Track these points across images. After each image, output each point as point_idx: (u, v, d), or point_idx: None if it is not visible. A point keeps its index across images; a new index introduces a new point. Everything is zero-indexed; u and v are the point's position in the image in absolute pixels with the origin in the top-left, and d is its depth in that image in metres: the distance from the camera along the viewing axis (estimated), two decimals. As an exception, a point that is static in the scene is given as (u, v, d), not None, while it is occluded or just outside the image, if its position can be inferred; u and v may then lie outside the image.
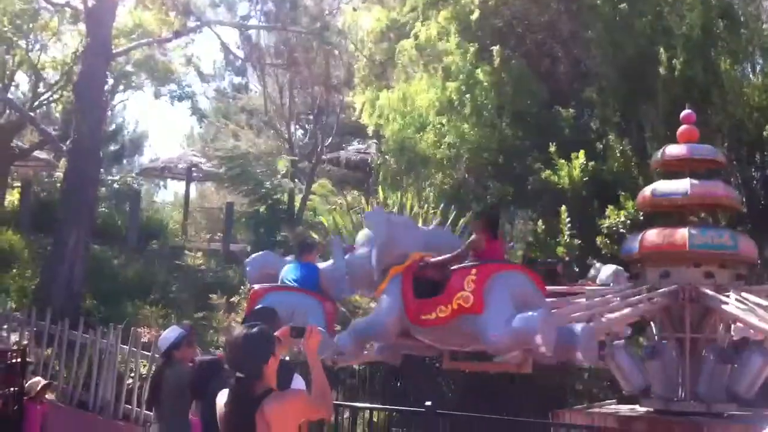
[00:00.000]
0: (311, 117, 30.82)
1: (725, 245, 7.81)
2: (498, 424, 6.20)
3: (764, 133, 18.79)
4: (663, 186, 8.37)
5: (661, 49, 15.72)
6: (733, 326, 8.25)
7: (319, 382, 4.08)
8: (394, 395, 12.38)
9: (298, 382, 4.51)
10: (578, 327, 5.31)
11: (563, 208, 14.75)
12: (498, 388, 13.13)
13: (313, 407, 4.09)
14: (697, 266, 7.71)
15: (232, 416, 4.03)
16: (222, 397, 4.21)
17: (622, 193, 14.42)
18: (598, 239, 14.22)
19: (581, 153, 15.54)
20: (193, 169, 29.37)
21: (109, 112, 32.45)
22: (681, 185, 8.11)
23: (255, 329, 4.08)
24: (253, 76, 35.12)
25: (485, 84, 17.45)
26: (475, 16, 18.20)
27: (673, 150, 8.41)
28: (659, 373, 7.56)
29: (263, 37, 29.51)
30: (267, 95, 29.59)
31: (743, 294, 7.24)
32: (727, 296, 7.25)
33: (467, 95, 17.63)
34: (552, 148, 15.64)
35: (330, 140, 28.48)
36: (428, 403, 5.86)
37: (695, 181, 8.05)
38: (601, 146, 16.32)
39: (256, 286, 6.96)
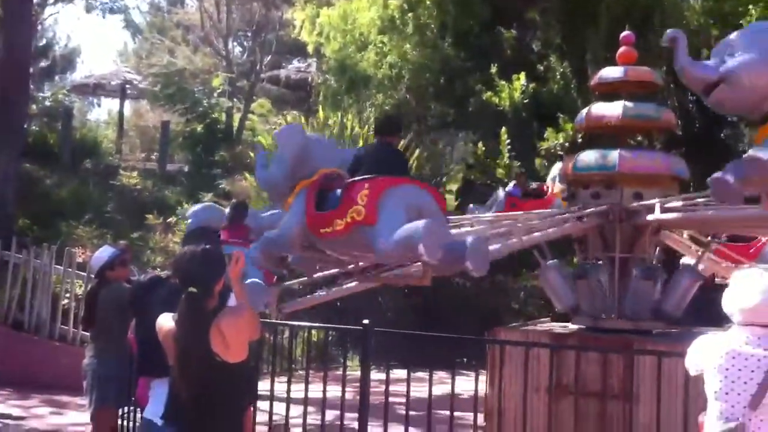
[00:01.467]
0: (249, 34, 30.05)
1: (654, 166, 7.93)
2: (434, 342, 6.28)
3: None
4: (598, 108, 8.39)
5: (604, -29, 15.63)
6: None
7: (248, 305, 4.13)
8: (335, 315, 12.48)
9: (233, 301, 4.48)
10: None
11: (503, 129, 14.79)
12: (437, 308, 13.37)
13: (256, 326, 4.17)
14: (628, 187, 7.82)
15: (185, 332, 4.02)
16: (164, 319, 4.20)
17: (562, 116, 14.49)
18: (537, 161, 14.34)
19: (522, 75, 15.51)
20: (127, 86, 28.52)
21: (39, 27, 31.05)
22: (615, 107, 8.15)
23: (209, 247, 4.16)
24: (189, -10, 33.97)
25: (428, 3, 17.18)
26: (419, -68, 17.78)
27: (610, 72, 8.40)
28: (586, 292, 7.72)
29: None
30: (204, 10, 28.68)
31: (668, 205, 7.37)
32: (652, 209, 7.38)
33: (409, 14, 17.36)
34: (493, 70, 15.56)
35: (269, 58, 27.88)
36: (365, 321, 5.88)
37: (629, 104, 8.08)
38: (543, 68, 16.31)
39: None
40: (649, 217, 7.33)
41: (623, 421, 5.89)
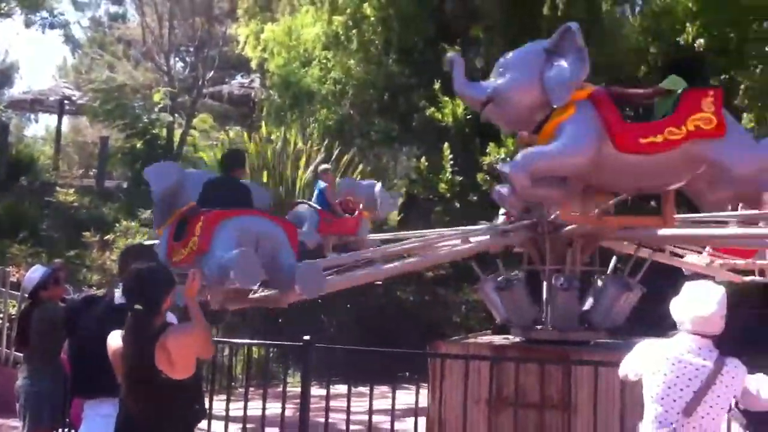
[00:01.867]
0: (192, 49, 29.75)
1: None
2: (376, 356, 6.24)
3: (639, 74, 19.49)
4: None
5: (545, -11, 15.91)
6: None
7: (203, 322, 4.09)
8: (276, 331, 12.33)
9: (172, 319, 4.39)
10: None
11: (446, 145, 14.87)
12: (380, 322, 13.34)
13: (207, 344, 4.14)
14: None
15: (131, 349, 4.00)
16: (113, 337, 4.15)
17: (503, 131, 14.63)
18: (479, 176, 14.44)
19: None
20: (65, 101, 27.95)
21: (-25, 40, 30.29)
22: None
23: (156, 264, 4.18)
24: (130, 4, 33.53)
25: (372, 19, 17.24)
26: (362, -51, 17.86)
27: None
28: (511, 304, 7.78)
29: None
30: (145, 25, 28.31)
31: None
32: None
33: (354, 30, 17.39)
34: (437, 86, 15.66)
35: (212, 73, 27.62)
36: (306, 337, 5.81)
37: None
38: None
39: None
40: (568, 228, 7.43)
41: (562, 431, 5.90)
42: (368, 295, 13.00)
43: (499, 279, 7.98)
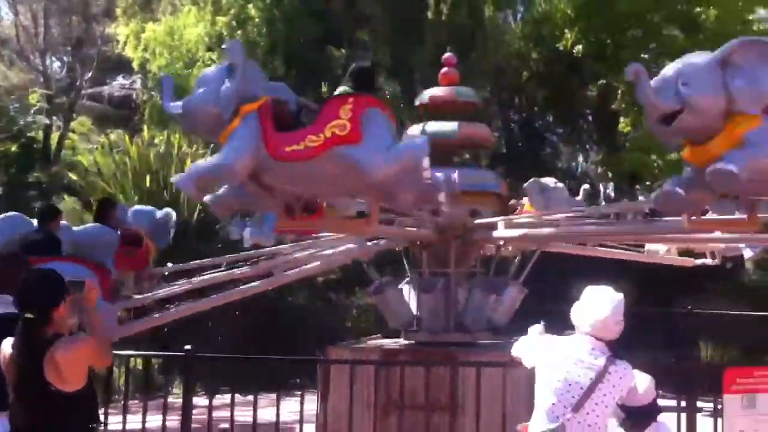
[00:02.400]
0: (69, 49, 28.60)
1: (489, 184, 8.24)
2: (265, 364, 6.11)
3: (522, 79, 20.06)
4: (432, 127, 8.58)
5: (430, -6, 16.12)
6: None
7: (100, 332, 4.06)
8: (161, 342, 11.96)
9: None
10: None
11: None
12: (271, 329, 13.16)
13: (101, 354, 4.07)
14: (463, 204, 8.03)
15: (19, 359, 3.89)
16: (6, 344, 4.03)
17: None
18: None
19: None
20: (-69, 103, 26.36)
21: None
22: (449, 126, 8.37)
23: (49, 271, 4.06)
24: (3, 2, 31.93)
25: (257, 20, 17.01)
26: (245, -51, 17.61)
27: (437, 92, 8.64)
28: (429, 307, 7.83)
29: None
30: (19, 23, 27.03)
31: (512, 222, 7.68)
32: (495, 227, 7.63)
33: (238, 31, 17.11)
34: (324, 89, 15.61)
35: (90, 74, 26.61)
36: (188, 347, 5.61)
37: (463, 123, 8.33)
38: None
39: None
40: (495, 234, 7.55)
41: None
42: (258, 301, 12.79)
43: (380, 282, 8.03)
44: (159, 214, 7.92)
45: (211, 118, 5.21)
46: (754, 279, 19.76)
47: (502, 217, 7.74)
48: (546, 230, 7.60)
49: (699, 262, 9.93)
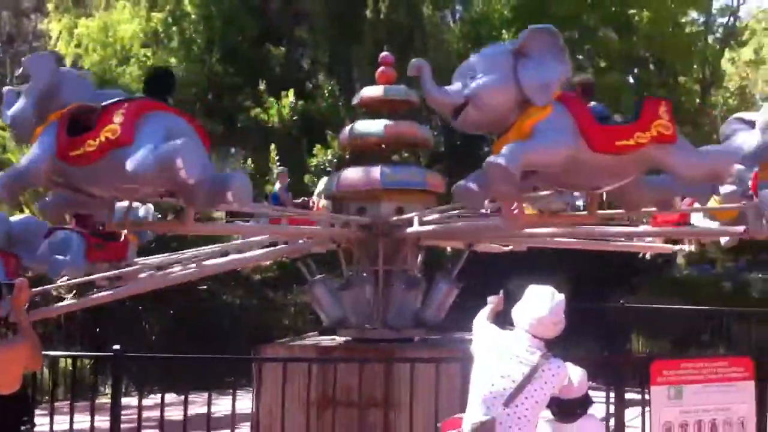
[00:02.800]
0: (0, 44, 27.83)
1: (414, 181, 8.26)
2: (197, 363, 6.02)
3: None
4: (360, 126, 8.60)
5: (368, -7, 16.11)
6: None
7: (32, 334, 4.02)
8: (94, 341, 11.73)
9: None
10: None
11: (272, 146, 14.72)
12: (207, 328, 13.01)
13: (34, 356, 4.06)
14: (389, 201, 8.05)
15: None
16: None
17: (330, 133, 14.67)
18: (306, 177, 14.39)
19: (290, 92, 15.56)
20: None
21: None
22: (376, 125, 8.39)
23: None
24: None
25: (193, 17, 16.79)
26: (183, -56, 17.36)
27: (370, 91, 8.66)
28: (353, 304, 7.84)
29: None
30: (-54, 18, 26.18)
31: (426, 218, 7.68)
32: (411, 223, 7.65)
33: (174, 28, 16.87)
34: (262, 86, 15.49)
35: (21, 71, 25.91)
36: (116, 346, 5.49)
37: (389, 122, 8.35)
38: (311, 85, 16.46)
39: None
40: (409, 230, 7.58)
41: (384, 429, 5.94)
42: (192, 299, 12.63)
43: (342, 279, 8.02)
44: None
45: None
46: (684, 273, 20.30)
47: (415, 213, 7.74)
48: (461, 225, 7.64)
49: (677, 248, 10.07)
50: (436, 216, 7.79)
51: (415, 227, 7.51)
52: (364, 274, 7.91)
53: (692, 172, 5.28)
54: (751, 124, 6.12)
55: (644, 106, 5.22)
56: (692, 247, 10.02)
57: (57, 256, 7.16)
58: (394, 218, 7.86)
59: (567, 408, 4.26)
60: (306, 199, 10.56)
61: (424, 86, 4.95)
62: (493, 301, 4.46)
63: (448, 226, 7.77)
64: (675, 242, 9.83)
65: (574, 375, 4.22)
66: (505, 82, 4.83)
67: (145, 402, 6.40)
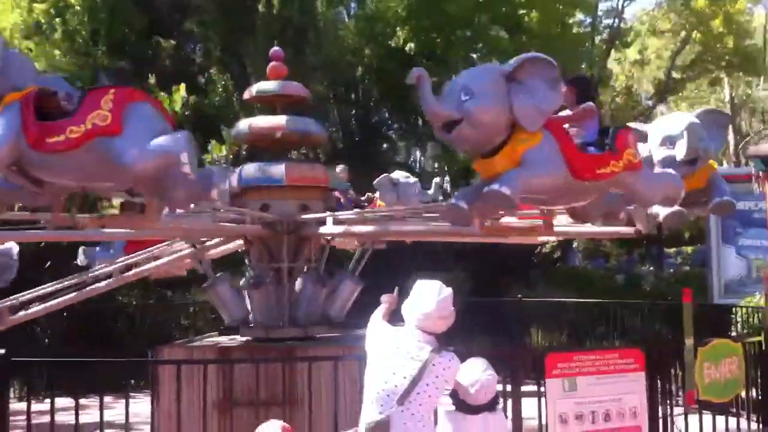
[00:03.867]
0: None
1: (318, 178, 8.24)
2: (88, 367, 5.79)
3: (357, 74, 20.23)
4: (258, 122, 8.48)
5: (260, -13, 15.91)
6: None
7: None
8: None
9: None
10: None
11: (165, 142, 14.32)
12: (104, 330, 12.62)
13: None
14: (294, 199, 7.98)
15: None
16: None
17: (225, 128, 14.40)
18: (201, 174, 14.09)
19: (182, 86, 15.17)
20: None
21: None
22: (274, 121, 8.29)
23: None
24: None
25: (77, 8, 16.15)
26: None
27: (263, 86, 8.55)
28: (261, 303, 7.74)
29: None
30: None
31: (338, 217, 7.66)
32: (324, 222, 7.61)
33: (57, 19, 16.18)
34: (152, 80, 15.06)
35: None
36: (1, 351, 5.21)
37: (288, 118, 8.27)
38: (204, 80, 16.13)
39: None
40: (323, 230, 7.51)
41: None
42: (86, 300, 12.20)
43: (248, 277, 7.86)
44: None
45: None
46: (580, 266, 21.04)
47: (329, 213, 7.74)
48: (366, 228, 7.68)
49: (543, 239, 10.32)
50: (349, 216, 7.82)
51: (329, 227, 7.47)
52: (271, 273, 7.81)
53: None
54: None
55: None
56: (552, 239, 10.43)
57: None
58: (305, 216, 7.79)
59: (468, 409, 4.29)
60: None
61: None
62: (386, 300, 4.48)
63: (363, 227, 7.76)
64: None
65: (474, 379, 4.22)
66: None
67: (40, 407, 6.13)
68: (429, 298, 4.07)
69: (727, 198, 6.45)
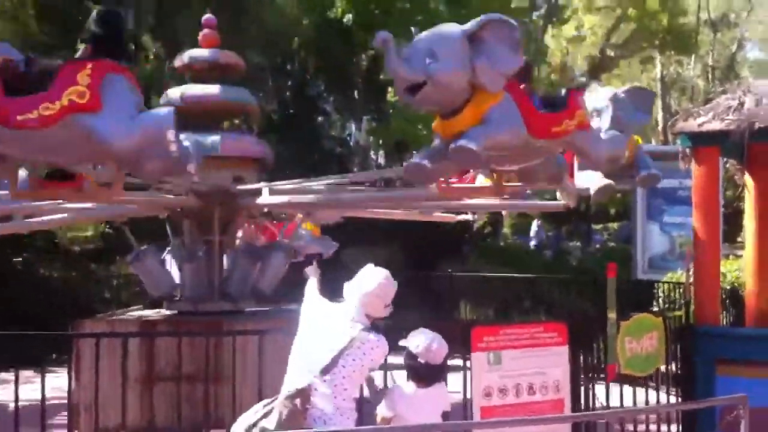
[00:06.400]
0: None
1: (252, 150, 8.14)
2: (6, 341, 5.61)
3: (293, 45, 20.01)
4: (191, 90, 8.28)
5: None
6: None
7: None
8: None
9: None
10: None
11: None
12: (23, 302, 12.29)
13: None
14: (227, 170, 7.86)
15: None
16: None
17: (155, 97, 14.08)
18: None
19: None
20: None
21: None
22: (208, 90, 8.12)
23: None
24: None
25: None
26: None
27: (196, 54, 8.36)
28: (192, 276, 7.62)
29: None
30: None
31: (275, 188, 7.59)
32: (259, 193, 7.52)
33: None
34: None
35: None
36: None
37: (221, 87, 8.11)
38: (134, 47, 15.72)
39: None
40: (259, 201, 7.41)
41: (206, 402, 5.79)
42: (5, 274, 11.86)
43: (179, 249, 7.71)
44: None
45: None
46: (509, 242, 21.31)
47: (265, 184, 7.64)
48: (308, 197, 7.62)
49: (461, 217, 10.40)
50: (286, 186, 7.75)
51: (266, 198, 7.37)
52: (198, 245, 7.68)
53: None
54: None
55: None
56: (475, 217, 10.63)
57: None
58: (241, 187, 7.68)
59: (425, 373, 4.33)
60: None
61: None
62: (311, 272, 4.50)
63: (300, 197, 7.67)
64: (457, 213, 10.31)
65: (427, 341, 4.33)
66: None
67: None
68: (372, 279, 4.14)
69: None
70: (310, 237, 9.83)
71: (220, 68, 8.34)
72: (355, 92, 21.22)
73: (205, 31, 8.42)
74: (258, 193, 7.48)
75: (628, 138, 6.37)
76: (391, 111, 18.87)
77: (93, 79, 4.73)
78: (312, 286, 4.45)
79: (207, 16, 8.68)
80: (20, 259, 12.52)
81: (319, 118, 21.49)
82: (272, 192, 7.40)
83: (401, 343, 4.38)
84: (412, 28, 19.17)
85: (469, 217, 10.45)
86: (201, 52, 8.29)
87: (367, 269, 4.22)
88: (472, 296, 14.21)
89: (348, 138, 23.01)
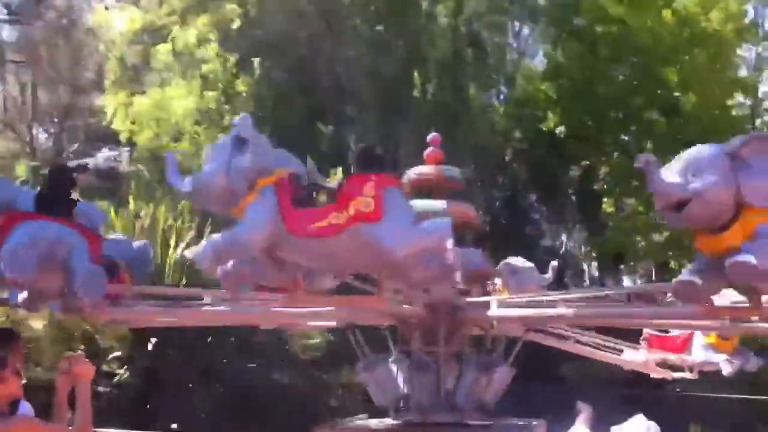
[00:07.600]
0: (56, 120, 28.71)
1: (477, 264, 8.24)
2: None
3: (506, 157, 20.37)
4: (419, 205, 8.58)
5: (416, 73, 16.40)
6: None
7: (84, 419, 3.61)
8: (145, 418, 11.66)
9: (24, 408, 3.90)
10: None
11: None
12: (254, 405, 12.91)
13: None
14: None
15: None
16: None
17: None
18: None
19: (339, 169, 15.76)
20: None
21: None
22: (436, 205, 8.38)
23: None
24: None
25: (245, 95, 17.21)
26: (236, 25, 17.93)
27: (422, 170, 8.69)
28: (422, 386, 7.70)
29: (4, 30, 27.20)
30: (6, 93, 27.18)
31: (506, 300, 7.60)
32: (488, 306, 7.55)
33: (226, 106, 17.29)
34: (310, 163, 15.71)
35: (77, 146, 26.67)
36: (174, 426, 5.46)
37: (448, 202, 8.35)
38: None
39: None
40: (490, 313, 7.46)
41: None
42: (241, 377, 12.55)
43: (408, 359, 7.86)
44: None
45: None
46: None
47: (494, 297, 7.68)
48: (549, 311, 7.52)
49: (678, 375, 9.85)
50: (516, 299, 7.74)
51: (494, 310, 7.43)
52: (428, 356, 7.79)
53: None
54: None
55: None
56: (694, 375, 9.88)
57: None
58: (469, 299, 7.79)
59: None
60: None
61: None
62: (581, 407, 4.41)
63: (532, 311, 7.64)
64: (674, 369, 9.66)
65: None
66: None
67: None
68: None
69: None
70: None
71: (445, 184, 8.63)
72: (566, 202, 21.09)
73: (431, 148, 8.78)
74: (486, 305, 7.52)
75: None
76: (610, 224, 18.49)
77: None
78: (583, 420, 4.36)
79: (433, 135, 9.05)
80: (255, 364, 13.22)
81: (529, 228, 21.49)
82: (501, 305, 7.41)
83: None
84: (625, 138, 18.96)
85: (687, 375, 9.87)
86: (426, 169, 8.64)
87: (636, 420, 4.11)
88: None
89: (558, 247, 22.75)
